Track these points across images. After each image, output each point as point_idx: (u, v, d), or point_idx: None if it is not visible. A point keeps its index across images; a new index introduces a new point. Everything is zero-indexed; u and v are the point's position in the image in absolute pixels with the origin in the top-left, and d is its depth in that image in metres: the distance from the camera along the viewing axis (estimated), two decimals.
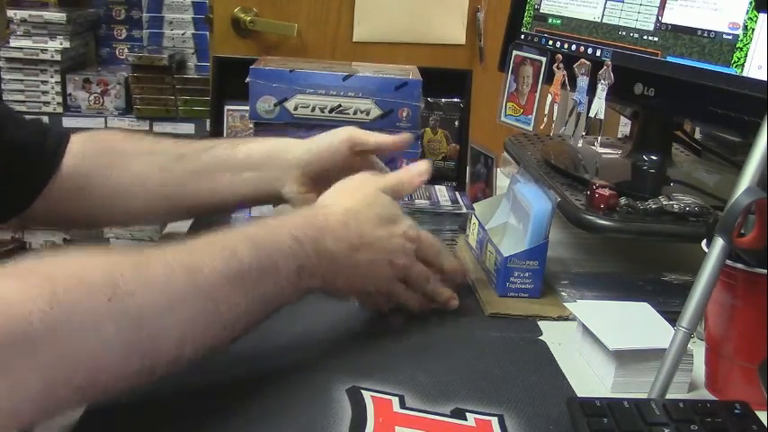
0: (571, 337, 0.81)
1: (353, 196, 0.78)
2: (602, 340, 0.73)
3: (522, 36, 1.14)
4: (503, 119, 1.12)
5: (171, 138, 0.94)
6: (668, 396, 0.65)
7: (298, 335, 0.76)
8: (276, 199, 0.93)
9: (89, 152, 0.89)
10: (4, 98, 2.33)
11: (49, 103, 2.36)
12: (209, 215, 0.97)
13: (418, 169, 0.83)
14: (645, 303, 0.81)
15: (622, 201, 0.89)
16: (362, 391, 0.68)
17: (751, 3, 0.83)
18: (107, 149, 0.90)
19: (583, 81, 1.00)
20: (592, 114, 0.99)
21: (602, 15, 1.01)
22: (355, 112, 1.06)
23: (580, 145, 1.18)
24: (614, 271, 0.99)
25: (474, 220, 1.00)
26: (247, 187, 0.91)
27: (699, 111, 0.90)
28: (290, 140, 0.92)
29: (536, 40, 1.12)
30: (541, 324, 0.85)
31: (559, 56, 1.04)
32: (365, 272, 0.76)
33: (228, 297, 0.62)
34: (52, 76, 2.36)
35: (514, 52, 1.11)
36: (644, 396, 0.66)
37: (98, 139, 0.92)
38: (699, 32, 0.89)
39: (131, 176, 0.88)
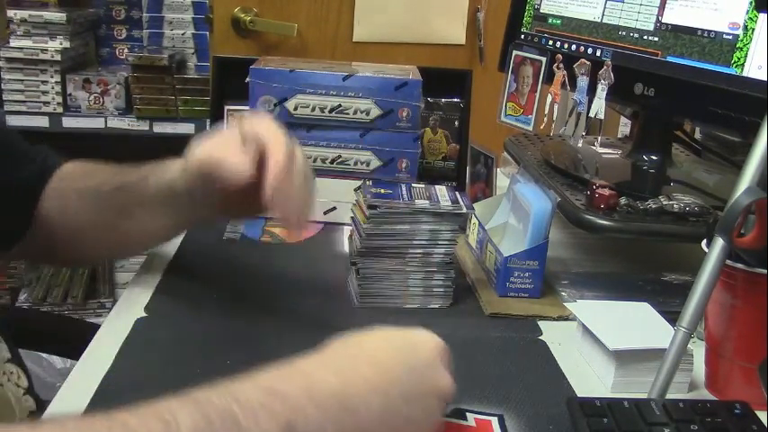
0: (571, 337, 0.81)
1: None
2: (602, 340, 0.73)
3: (522, 36, 1.14)
4: (503, 119, 1.12)
5: (102, 171, 0.89)
6: (668, 396, 0.65)
7: (298, 336, 0.76)
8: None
9: (53, 191, 0.88)
10: (4, 98, 2.33)
11: (48, 103, 2.36)
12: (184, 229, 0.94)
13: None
14: (645, 303, 0.81)
15: (622, 201, 0.89)
16: None
17: (751, 3, 0.83)
18: (62, 188, 0.88)
19: (583, 81, 1.00)
20: (592, 114, 0.99)
21: (602, 15, 1.01)
22: (355, 112, 1.06)
23: (580, 145, 1.18)
24: (614, 271, 0.99)
25: (474, 220, 1.01)
26: (187, 215, 0.86)
27: (699, 111, 0.90)
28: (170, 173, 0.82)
29: (536, 40, 1.12)
30: (541, 324, 0.85)
31: (559, 56, 1.04)
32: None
33: None
34: (52, 76, 2.35)
35: (514, 52, 1.11)
36: (644, 396, 0.66)
37: (60, 176, 0.90)
38: (699, 32, 0.89)
39: (73, 215, 0.87)
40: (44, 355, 1.87)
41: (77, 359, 0.74)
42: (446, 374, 0.58)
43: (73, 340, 0.92)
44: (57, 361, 1.93)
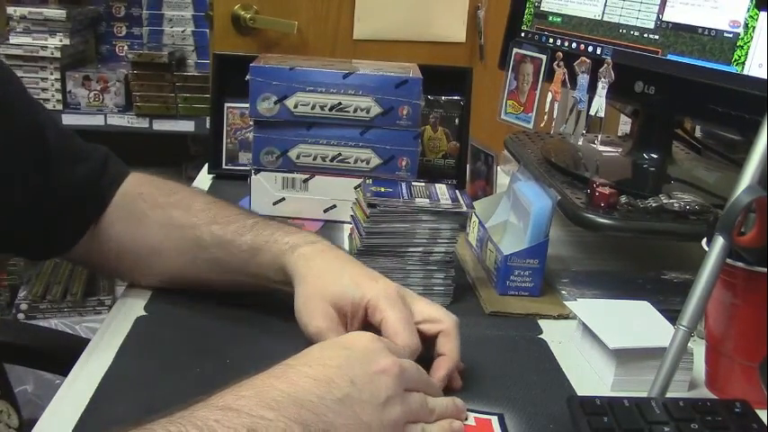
0: (571, 336, 0.81)
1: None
2: (602, 339, 0.73)
3: (523, 34, 1.14)
4: (503, 117, 1.12)
5: (208, 204, 0.85)
6: (668, 395, 0.65)
7: (298, 335, 0.76)
8: None
9: (125, 205, 0.85)
10: None
11: (48, 100, 2.36)
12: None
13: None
14: (645, 302, 0.81)
15: (623, 199, 0.89)
16: None
17: (752, 1, 0.83)
18: (139, 210, 0.85)
19: (583, 79, 1.00)
20: (592, 112, 0.99)
21: (603, 13, 1.01)
22: (355, 110, 1.06)
23: (580, 143, 1.18)
24: (614, 269, 0.99)
25: (474, 218, 1.00)
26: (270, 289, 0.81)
27: (699, 109, 0.90)
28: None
29: (536, 37, 1.12)
30: (542, 322, 0.85)
31: (560, 54, 1.04)
32: None
33: None
34: (52, 74, 2.35)
35: (515, 50, 1.10)
36: (644, 395, 0.66)
37: (135, 192, 0.86)
38: (699, 30, 0.89)
39: (151, 243, 0.83)
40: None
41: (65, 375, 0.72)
42: (387, 354, 0.61)
43: (60, 355, 0.90)
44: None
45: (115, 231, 0.85)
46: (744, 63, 0.83)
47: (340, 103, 1.06)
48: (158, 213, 0.84)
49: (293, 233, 0.79)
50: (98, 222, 0.85)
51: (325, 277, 0.74)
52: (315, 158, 1.08)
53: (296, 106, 1.06)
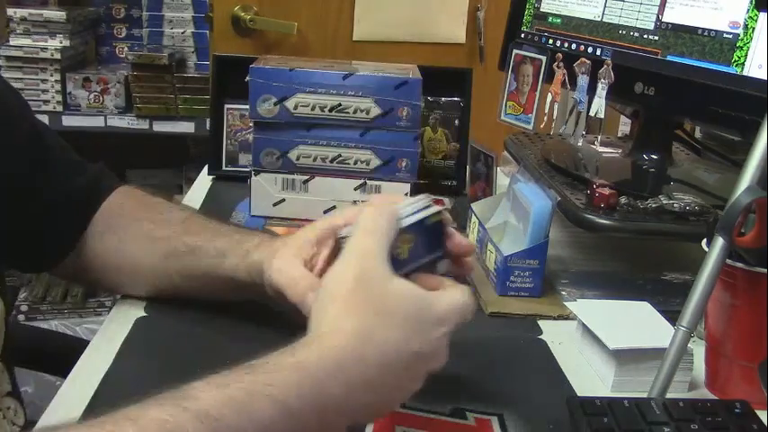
0: (571, 337, 0.81)
1: (358, 304, 0.57)
2: (602, 339, 0.73)
3: (523, 35, 1.14)
4: (503, 118, 1.12)
5: (185, 216, 0.85)
6: (668, 395, 0.65)
7: (298, 336, 0.76)
8: None
9: (106, 218, 0.85)
10: None
11: (48, 101, 2.36)
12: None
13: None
14: (645, 302, 0.81)
15: (622, 200, 0.89)
16: None
17: (751, 2, 0.83)
18: (118, 224, 0.85)
19: (583, 80, 1.00)
20: (592, 113, 0.99)
21: (603, 14, 1.01)
22: (355, 111, 1.06)
23: (580, 144, 1.18)
24: (614, 270, 0.99)
25: (474, 219, 1.00)
26: (250, 297, 0.80)
27: (699, 110, 0.90)
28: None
29: (536, 38, 1.12)
30: (541, 323, 0.85)
31: (560, 55, 1.04)
32: (396, 396, 0.58)
33: None
34: (52, 75, 2.35)
35: (515, 51, 1.11)
36: (644, 395, 0.66)
37: (116, 205, 0.86)
38: (699, 31, 0.89)
39: (130, 257, 0.83)
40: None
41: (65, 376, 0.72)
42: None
43: (61, 356, 0.90)
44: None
45: (97, 245, 0.85)
46: (743, 64, 0.84)
47: (340, 105, 1.06)
48: (136, 227, 0.84)
49: (264, 236, 0.78)
50: (83, 236, 0.85)
51: (290, 244, 0.72)
52: (315, 159, 1.08)
53: (296, 107, 1.06)
